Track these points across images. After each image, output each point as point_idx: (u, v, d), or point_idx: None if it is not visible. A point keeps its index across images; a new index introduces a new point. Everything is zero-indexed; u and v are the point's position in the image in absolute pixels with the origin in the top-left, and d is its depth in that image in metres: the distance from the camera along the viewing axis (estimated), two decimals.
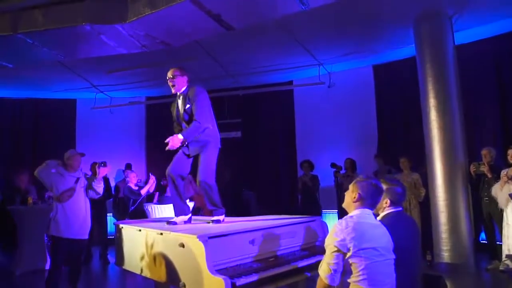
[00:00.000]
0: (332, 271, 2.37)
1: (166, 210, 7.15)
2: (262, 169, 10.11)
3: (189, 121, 3.84)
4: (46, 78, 8.91)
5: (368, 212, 2.56)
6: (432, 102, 6.31)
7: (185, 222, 3.78)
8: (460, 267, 5.91)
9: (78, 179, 4.74)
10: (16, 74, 8.28)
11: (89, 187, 4.78)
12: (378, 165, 7.71)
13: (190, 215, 3.90)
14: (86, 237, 4.78)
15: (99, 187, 4.83)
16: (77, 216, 4.60)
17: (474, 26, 6.89)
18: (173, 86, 3.89)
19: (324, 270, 2.41)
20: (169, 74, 3.90)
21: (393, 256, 2.50)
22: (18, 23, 6.05)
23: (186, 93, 3.87)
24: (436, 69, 6.35)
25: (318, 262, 2.67)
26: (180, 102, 3.91)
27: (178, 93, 3.93)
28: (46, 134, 10.53)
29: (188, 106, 3.83)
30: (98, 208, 7.48)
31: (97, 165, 4.93)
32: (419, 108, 6.66)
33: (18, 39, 6.26)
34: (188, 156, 3.90)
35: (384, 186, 2.82)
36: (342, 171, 7.67)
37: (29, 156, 10.34)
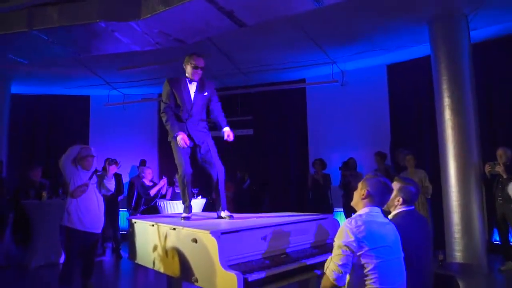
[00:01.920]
0: (342, 272, 2.35)
1: (178, 206, 7.20)
2: (274, 167, 10.12)
3: (198, 107, 3.94)
4: (60, 74, 9.01)
5: (377, 210, 2.54)
6: (446, 101, 6.24)
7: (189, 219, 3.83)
8: (472, 268, 5.86)
9: (92, 175, 4.77)
10: (31, 70, 8.40)
11: (100, 184, 4.81)
12: (377, 164, 7.65)
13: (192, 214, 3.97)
14: (99, 231, 4.82)
15: (110, 184, 4.85)
16: (89, 209, 4.62)
17: (490, 25, 6.80)
18: (197, 75, 3.97)
19: (332, 269, 2.38)
20: (203, 64, 4.00)
21: (402, 254, 2.48)
22: (33, 20, 6.13)
23: (203, 83, 4.00)
24: (451, 68, 6.28)
25: None
26: (193, 87, 3.96)
27: (189, 79, 3.96)
28: (60, 130, 10.68)
29: (206, 93, 3.96)
30: (110, 203, 7.57)
31: (107, 162, 4.97)
32: (433, 107, 6.61)
33: (33, 36, 6.35)
34: (187, 149, 3.94)
35: (398, 185, 2.81)
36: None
37: (43, 151, 10.53)
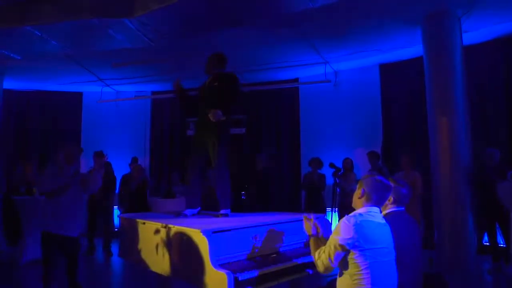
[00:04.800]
0: (332, 265, 2.44)
1: (169, 204, 7.20)
2: (266, 166, 10.10)
3: (208, 102, 3.97)
4: (53, 70, 8.95)
5: (376, 210, 2.56)
6: (438, 102, 6.28)
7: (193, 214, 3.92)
8: (461, 268, 5.90)
9: (75, 173, 4.56)
10: (24, 66, 8.33)
11: (84, 180, 4.63)
12: (370, 163, 7.67)
13: (199, 208, 4.04)
14: (75, 234, 4.46)
15: (96, 178, 4.68)
16: (66, 212, 4.35)
17: (483, 27, 6.86)
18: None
19: (322, 261, 2.48)
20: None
21: (394, 256, 2.51)
22: (27, 15, 6.08)
23: (215, 76, 4.12)
24: (443, 69, 6.32)
25: None
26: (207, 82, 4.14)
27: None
28: (52, 126, 10.62)
29: (216, 83, 4.03)
30: (103, 200, 7.54)
31: (94, 156, 4.87)
32: (425, 108, 6.64)
33: (26, 31, 6.30)
34: (202, 146, 4.02)
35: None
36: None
37: (35, 147, 10.45)
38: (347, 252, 2.37)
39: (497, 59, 7.40)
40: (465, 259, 5.95)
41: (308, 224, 2.81)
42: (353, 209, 2.64)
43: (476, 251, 6.09)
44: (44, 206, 4.44)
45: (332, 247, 2.42)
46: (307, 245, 3.41)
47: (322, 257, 2.47)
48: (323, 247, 2.51)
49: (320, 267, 2.51)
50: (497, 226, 6.14)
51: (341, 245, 2.37)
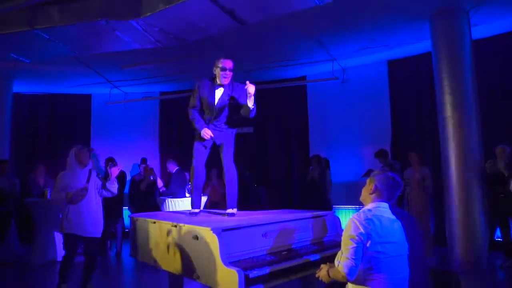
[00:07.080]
0: (354, 264, 2.35)
1: (179, 204, 7.22)
2: (274, 164, 10.12)
3: (221, 111, 3.93)
4: (62, 73, 9.03)
5: (385, 205, 2.55)
6: (447, 98, 6.23)
7: (196, 214, 3.95)
8: (474, 264, 5.86)
9: (89, 177, 4.69)
10: (33, 69, 8.40)
11: (103, 187, 4.78)
12: (381, 162, 7.60)
13: (199, 210, 4.07)
14: (98, 235, 4.76)
15: (113, 188, 4.81)
16: (88, 214, 4.60)
17: (492, 21, 6.78)
18: (226, 78, 3.91)
19: (344, 263, 2.37)
20: (231, 65, 3.95)
21: (407, 252, 2.48)
22: (35, 19, 6.15)
23: (232, 87, 3.95)
24: (452, 64, 6.27)
25: (330, 255, 2.67)
26: (219, 92, 3.93)
27: (217, 84, 3.95)
28: (62, 129, 10.73)
29: (233, 98, 3.93)
30: (113, 201, 7.58)
31: (109, 165, 4.94)
32: (434, 104, 6.60)
33: (34, 35, 6.36)
34: (205, 147, 4.04)
35: None
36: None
37: (45, 150, 10.57)
38: (362, 244, 2.34)
39: (507, 53, 7.31)
40: (477, 255, 5.90)
41: (323, 272, 2.64)
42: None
43: (488, 247, 6.04)
44: (67, 211, 4.58)
45: (349, 243, 2.37)
46: (315, 243, 3.41)
47: (341, 259, 2.41)
48: (339, 252, 2.47)
49: (342, 269, 2.37)
50: (510, 221, 6.09)
51: (356, 238, 2.35)
